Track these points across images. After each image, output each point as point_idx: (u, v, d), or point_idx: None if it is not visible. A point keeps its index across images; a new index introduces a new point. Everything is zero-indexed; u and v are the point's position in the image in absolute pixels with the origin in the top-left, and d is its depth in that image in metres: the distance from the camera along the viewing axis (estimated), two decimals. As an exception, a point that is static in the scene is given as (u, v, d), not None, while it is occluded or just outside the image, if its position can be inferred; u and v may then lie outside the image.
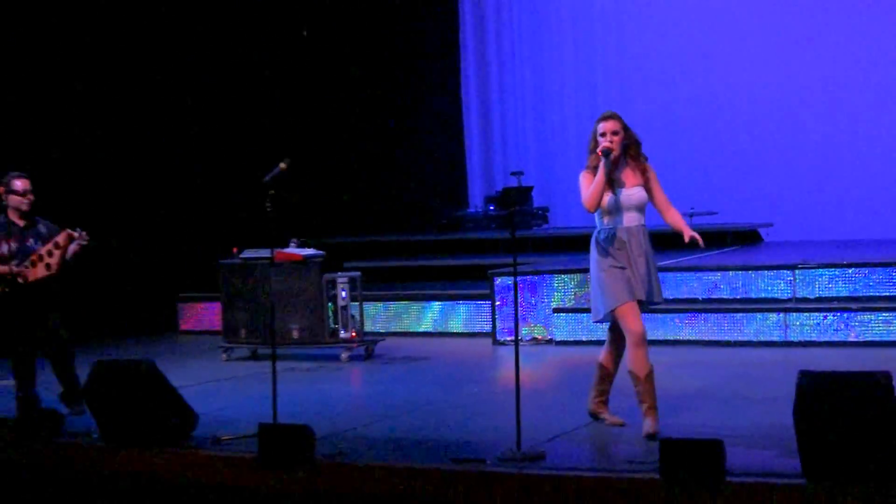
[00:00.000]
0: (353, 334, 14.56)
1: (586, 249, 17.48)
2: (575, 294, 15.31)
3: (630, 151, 9.23)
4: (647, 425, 9.07)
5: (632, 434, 9.24)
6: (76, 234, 11.03)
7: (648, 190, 9.22)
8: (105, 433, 9.85)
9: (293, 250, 14.65)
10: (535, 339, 15.12)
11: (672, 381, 11.75)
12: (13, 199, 11.17)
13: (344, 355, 14.43)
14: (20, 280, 11.00)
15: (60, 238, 11.02)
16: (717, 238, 17.88)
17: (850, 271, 14.23)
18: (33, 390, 11.30)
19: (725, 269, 14.97)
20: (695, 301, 14.67)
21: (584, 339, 14.73)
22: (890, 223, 18.52)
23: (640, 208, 9.19)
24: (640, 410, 9.17)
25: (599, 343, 14.15)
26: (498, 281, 15.33)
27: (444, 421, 10.45)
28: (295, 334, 14.54)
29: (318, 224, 19.66)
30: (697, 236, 9.17)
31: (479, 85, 23.32)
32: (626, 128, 9.21)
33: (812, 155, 19.73)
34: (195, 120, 19.71)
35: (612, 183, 9.12)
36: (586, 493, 7.81)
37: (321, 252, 14.82)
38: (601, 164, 9.02)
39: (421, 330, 16.40)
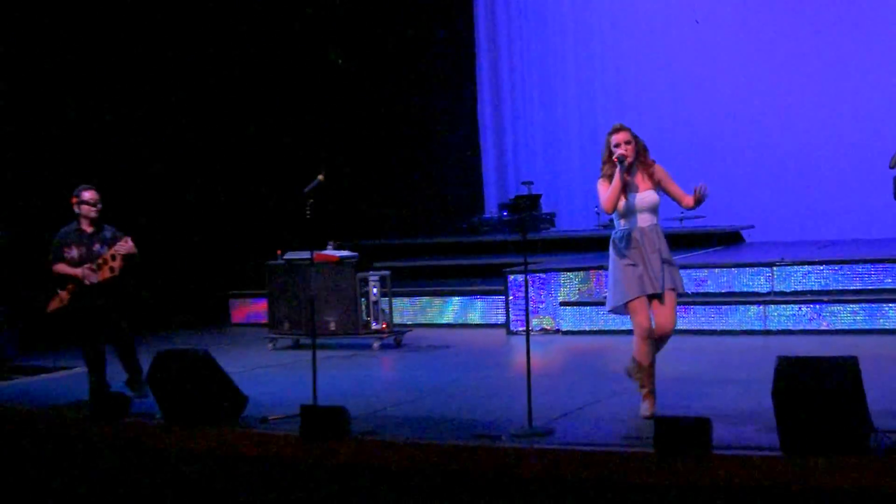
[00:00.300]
0: (384, 326, 14.57)
1: (589, 250, 17.83)
2: (579, 289, 15.29)
3: (640, 157, 9.11)
4: (645, 408, 9.04)
5: (630, 413, 9.24)
6: (125, 244, 11.12)
7: (662, 189, 9.10)
8: (166, 414, 9.88)
9: (330, 252, 14.67)
10: (544, 329, 15.09)
11: (665, 365, 11.71)
12: (83, 209, 11.24)
13: (375, 344, 14.44)
14: (87, 282, 11.09)
15: (118, 244, 11.11)
16: (704, 239, 17.84)
17: (821, 268, 14.20)
18: (103, 377, 11.36)
19: (711, 266, 14.93)
20: (685, 295, 14.59)
21: (587, 329, 14.75)
22: (858, 225, 18.49)
23: (653, 210, 9.06)
24: (640, 394, 9.14)
25: (602, 333, 14.45)
26: (511, 278, 15.31)
27: (464, 402, 10.44)
28: (332, 326, 14.55)
29: (352, 228, 19.68)
30: (700, 192, 8.92)
31: (493, 106, 23.30)
32: (635, 136, 9.11)
33: (789, 163, 19.64)
34: (243, 141, 19.81)
35: (627, 188, 9.02)
36: (590, 465, 7.81)
37: (355, 253, 14.84)
38: (617, 171, 8.92)
39: (443, 322, 16.38)
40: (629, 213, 9.06)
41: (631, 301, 9.04)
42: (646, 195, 9.05)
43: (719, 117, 20.10)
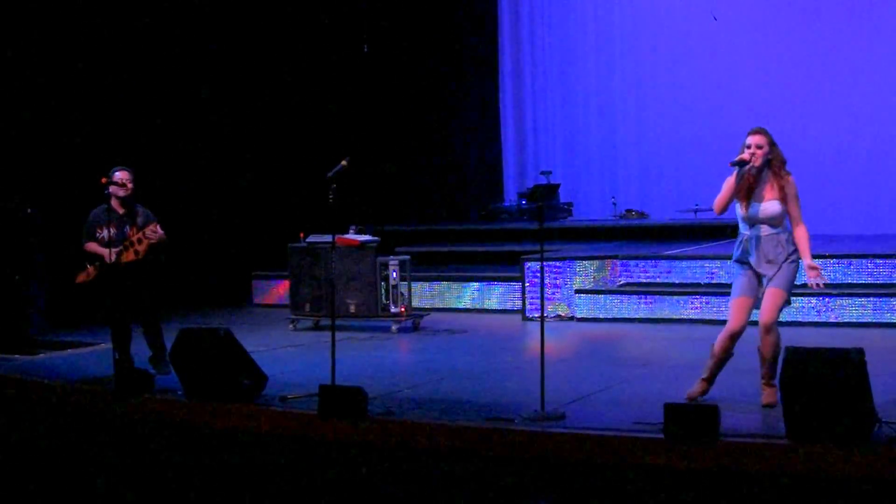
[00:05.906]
0: (402, 309, 14.57)
1: (605, 239, 17.81)
2: (594, 277, 15.29)
3: (773, 166, 8.79)
4: (692, 389, 9.12)
5: (639, 399, 9.25)
6: (155, 232, 11.17)
7: (784, 204, 8.80)
8: (188, 391, 9.93)
9: (352, 236, 14.69)
10: (559, 316, 15.07)
11: (677, 353, 11.80)
12: (113, 189, 11.28)
13: (394, 327, 14.45)
14: (115, 262, 11.17)
15: (147, 230, 11.17)
16: (718, 230, 17.75)
17: (830, 262, 14.17)
18: (128, 353, 11.42)
19: (724, 258, 14.82)
20: (697, 285, 14.63)
21: (601, 316, 14.72)
22: (867, 221, 18.49)
23: (772, 221, 8.78)
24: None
25: (616, 321, 14.42)
26: (528, 265, 15.29)
27: (479, 385, 10.47)
28: (352, 308, 14.57)
29: (374, 213, 19.70)
30: (817, 282, 8.82)
31: (514, 98, 23.32)
32: (772, 143, 8.79)
33: (799, 158, 19.40)
34: (271, 126, 19.87)
35: (751, 195, 8.79)
36: (600, 449, 7.83)
37: (376, 238, 14.83)
38: (733, 174, 8.73)
39: (461, 307, 16.33)
40: (748, 221, 8.88)
41: (731, 301, 9.00)
42: (768, 206, 8.78)
43: (734, 110, 20.02)
